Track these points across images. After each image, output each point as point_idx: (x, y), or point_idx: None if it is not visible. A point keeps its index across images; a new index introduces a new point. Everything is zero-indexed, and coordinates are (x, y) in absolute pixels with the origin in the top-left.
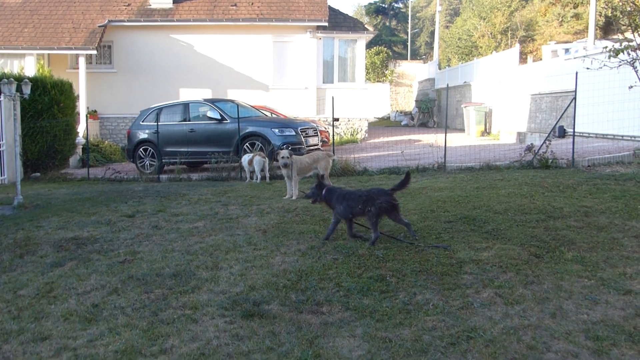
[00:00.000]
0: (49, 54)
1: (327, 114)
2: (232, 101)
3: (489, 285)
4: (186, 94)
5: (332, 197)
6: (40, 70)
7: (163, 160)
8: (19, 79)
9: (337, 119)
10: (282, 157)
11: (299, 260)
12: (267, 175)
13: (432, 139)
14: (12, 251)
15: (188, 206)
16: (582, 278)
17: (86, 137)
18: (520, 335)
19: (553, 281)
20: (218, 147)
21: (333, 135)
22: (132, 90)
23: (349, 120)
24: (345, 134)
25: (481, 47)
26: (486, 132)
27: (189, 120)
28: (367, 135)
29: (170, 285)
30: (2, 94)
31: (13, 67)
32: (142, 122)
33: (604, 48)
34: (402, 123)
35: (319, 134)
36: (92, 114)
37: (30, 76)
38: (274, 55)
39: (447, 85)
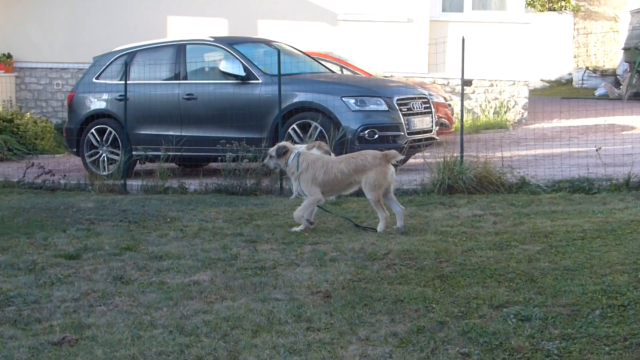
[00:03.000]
0: None
1: (450, 71)
2: (268, 43)
3: None
4: (180, 28)
5: None
6: None
7: (134, 153)
8: None
9: (470, 83)
10: (269, 154)
11: (394, 353)
12: None
13: None
14: None
15: (180, 242)
16: None
17: None
18: None
19: None
20: (239, 131)
21: (462, 112)
22: (80, 19)
23: (491, 85)
24: (484, 110)
25: None
26: None
27: (185, 78)
28: (525, 113)
29: None
30: None
31: None
32: (97, 78)
33: None
34: (598, 92)
35: (433, 109)
36: (2, 62)
37: None
38: None
39: None
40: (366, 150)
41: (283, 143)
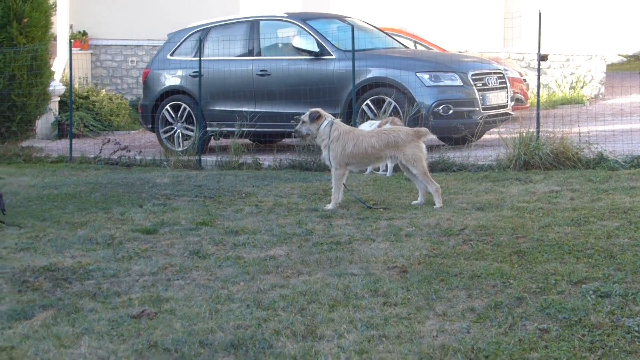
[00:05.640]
0: None
1: (526, 46)
2: (341, 19)
3: None
4: (252, 3)
5: None
6: None
7: (208, 129)
8: None
9: (546, 57)
10: (302, 120)
11: (471, 328)
12: None
13: None
14: None
15: (255, 217)
16: None
17: (68, 83)
18: None
19: None
20: (312, 107)
21: (539, 87)
22: None
23: (567, 60)
24: (560, 85)
25: None
26: None
27: (259, 54)
28: (602, 88)
29: None
30: None
31: None
32: (172, 55)
33: None
34: None
35: (508, 84)
36: (78, 39)
37: None
38: None
39: None
40: (398, 126)
41: (316, 109)
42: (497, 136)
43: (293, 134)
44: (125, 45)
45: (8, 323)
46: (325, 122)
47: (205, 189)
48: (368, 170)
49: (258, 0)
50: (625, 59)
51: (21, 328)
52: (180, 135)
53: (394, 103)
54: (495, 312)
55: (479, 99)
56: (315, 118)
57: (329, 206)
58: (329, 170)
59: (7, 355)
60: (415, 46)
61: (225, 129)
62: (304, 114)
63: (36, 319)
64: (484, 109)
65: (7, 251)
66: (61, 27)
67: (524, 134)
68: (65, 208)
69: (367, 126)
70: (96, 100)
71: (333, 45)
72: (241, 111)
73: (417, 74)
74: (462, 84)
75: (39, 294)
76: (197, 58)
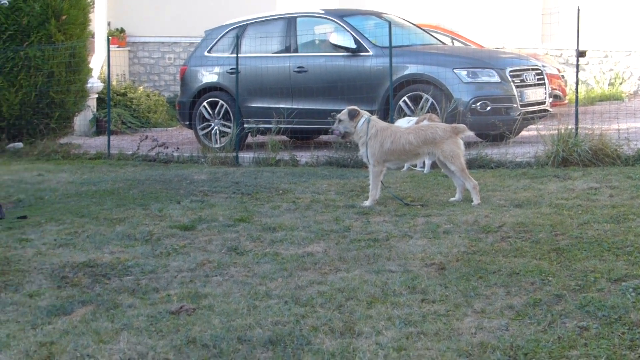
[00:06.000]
0: None
1: (563, 42)
2: (378, 15)
3: None
4: (290, 1)
5: None
6: None
7: (246, 126)
8: None
9: (584, 54)
10: (338, 119)
11: (510, 326)
12: None
13: None
14: None
15: (293, 213)
16: None
17: (106, 80)
18: None
19: None
20: (349, 103)
21: (577, 83)
22: None
23: (606, 56)
24: (598, 81)
25: None
26: None
27: (296, 51)
28: None
29: None
30: None
31: None
32: (209, 52)
33: None
34: None
35: (546, 80)
36: (116, 36)
37: None
38: None
39: None
40: (435, 123)
41: (353, 106)
42: (535, 133)
43: (330, 132)
44: (162, 42)
45: (48, 318)
46: (363, 119)
47: (242, 186)
48: (405, 167)
49: None
50: None
51: (60, 323)
52: (217, 132)
53: (431, 100)
54: (534, 309)
55: (516, 96)
56: (354, 115)
57: (367, 203)
58: (366, 167)
59: (47, 350)
60: (452, 42)
61: (262, 125)
62: (341, 110)
63: (75, 314)
64: (521, 106)
65: (47, 247)
66: (99, 24)
67: (563, 131)
68: (103, 204)
69: (404, 123)
70: (134, 97)
71: (370, 41)
72: (278, 108)
73: (454, 70)
74: (499, 81)
75: (78, 289)
76: (235, 55)
